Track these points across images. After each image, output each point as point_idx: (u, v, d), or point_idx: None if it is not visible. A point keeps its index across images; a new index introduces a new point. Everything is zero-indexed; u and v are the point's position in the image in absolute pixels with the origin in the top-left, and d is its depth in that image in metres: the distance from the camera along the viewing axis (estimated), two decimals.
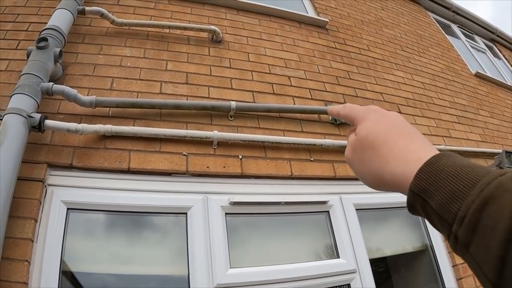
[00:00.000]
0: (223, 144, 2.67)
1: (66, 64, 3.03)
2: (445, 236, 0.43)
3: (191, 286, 2.20)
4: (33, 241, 2.15)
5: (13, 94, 2.44)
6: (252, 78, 3.21)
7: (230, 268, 2.29)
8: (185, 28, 3.37)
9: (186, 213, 2.42)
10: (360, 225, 2.75)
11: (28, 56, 2.72)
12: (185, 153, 2.57)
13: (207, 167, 2.55)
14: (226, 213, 2.46)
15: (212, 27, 3.39)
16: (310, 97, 3.34)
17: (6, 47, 3.26)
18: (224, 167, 2.58)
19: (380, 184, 0.53)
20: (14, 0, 3.76)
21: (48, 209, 2.29)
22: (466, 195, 0.40)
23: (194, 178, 2.54)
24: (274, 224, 2.69)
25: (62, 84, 2.75)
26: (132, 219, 2.48)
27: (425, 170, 0.45)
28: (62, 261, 2.17)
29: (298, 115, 3.08)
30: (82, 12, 3.26)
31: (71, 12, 3.12)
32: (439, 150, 0.49)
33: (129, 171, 2.48)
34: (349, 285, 2.52)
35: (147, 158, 2.51)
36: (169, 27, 3.37)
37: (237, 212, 2.52)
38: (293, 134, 2.95)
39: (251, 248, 2.55)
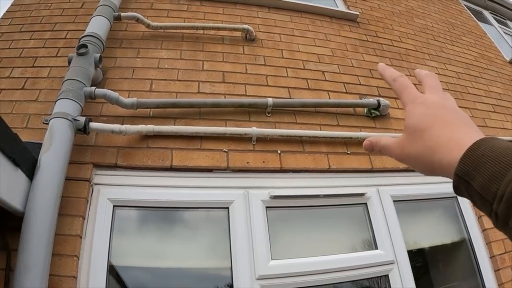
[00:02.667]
0: (262, 139, 2.73)
1: (106, 68, 3.13)
2: (487, 214, 0.48)
3: (234, 278, 2.28)
4: (81, 237, 2.26)
5: (58, 99, 2.54)
6: (287, 75, 3.26)
7: (272, 260, 2.35)
8: (218, 28, 3.46)
9: (228, 208, 2.50)
10: (398, 217, 2.76)
11: (69, 62, 2.83)
12: (225, 150, 2.64)
13: (247, 162, 2.62)
14: (266, 207, 2.52)
15: (245, 26, 3.46)
16: (345, 91, 3.37)
17: (47, 55, 3.39)
18: (263, 162, 2.64)
19: (431, 172, 0.58)
20: (51, 9, 3.91)
21: (95, 207, 2.40)
22: (504, 176, 0.44)
23: (234, 173, 2.61)
24: (312, 217, 2.73)
25: (103, 88, 2.85)
26: (175, 214, 2.58)
27: (467, 156, 0.49)
28: (109, 256, 2.28)
29: (333, 109, 3.12)
30: (118, 18, 3.36)
31: (107, 19, 3.23)
32: None
33: (171, 169, 2.56)
34: (387, 276, 2.54)
35: (189, 156, 2.60)
36: (203, 28, 3.45)
37: (277, 205, 2.58)
38: (330, 128, 2.99)
39: (290, 241, 2.60)
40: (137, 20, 3.40)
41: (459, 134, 0.54)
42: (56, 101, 2.57)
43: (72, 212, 2.31)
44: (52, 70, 3.23)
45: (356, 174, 2.89)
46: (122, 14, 3.37)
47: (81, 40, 2.94)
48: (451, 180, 0.52)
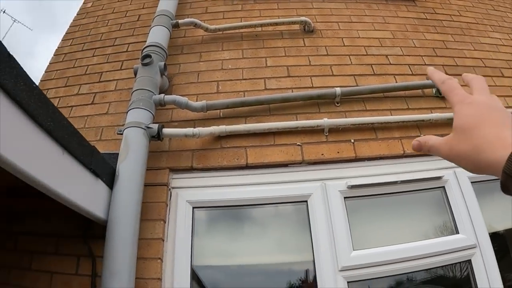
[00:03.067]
0: (334, 130, 2.69)
1: (171, 75, 3.20)
2: None
3: (317, 271, 2.26)
4: (163, 240, 2.34)
5: (129, 110, 2.62)
6: (351, 62, 3.20)
7: (353, 250, 2.31)
8: (276, 24, 3.44)
9: (306, 201, 2.48)
10: (477, 198, 2.65)
11: (135, 73, 2.91)
12: (299, 143, 2.62)
13: (322, 154, 2.59)
14: (344, 197, 2.48)
15: (303, 18, 3.43)
16: (411, 72, 3.26)
17: (111, 69, 3.49)
18: (338, 152, 2.61)
19: (479, 170, 0.58)
20: (109, 26, 4.03)
21: (175, 210, 2.47)
22: None
23: (310, 166, 2.59)
24: (389, 204, 2.66)
25: (171, 94, 2.90)
26: (253, 211, 2.59)
27: None
28: (192, 256, 2.33)
29: (401, 93, 3.02)
30: (176, 26, 3.42)
31: (166, 27, 3.29)
32: None
33: (247, 167, 2.58)
34: (469, 261, 2.41)
35: (263, 152, 2.60)
36: (261, 25, 3.45)
37: (354, 195, 2.53)
38: (400, 112, 2.90)
39: (369, 230, 2.54)
40: (195, 25, 3.44)
41: (506, 133, 0.55)
42: (127, 112, 2.65)
43: (153, 217, 2.39)
44: (118, 82, 3.32)
45: (431, 158, 2.78)
46: (180, 21, 3.42)
47: (144, 51, 3.02)
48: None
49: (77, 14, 4.42)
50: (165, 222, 2.41)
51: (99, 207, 2.11)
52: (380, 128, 2.77)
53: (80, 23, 4.27)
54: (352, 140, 2.67)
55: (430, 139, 0.69)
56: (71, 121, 2.99)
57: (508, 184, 0.50)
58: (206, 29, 3.45)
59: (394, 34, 3.64)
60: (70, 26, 4.29)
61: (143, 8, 4.12)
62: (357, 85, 3.03)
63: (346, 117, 2.79)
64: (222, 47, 3.41)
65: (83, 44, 3.94)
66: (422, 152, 0.71)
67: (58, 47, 4.06)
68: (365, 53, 3.30)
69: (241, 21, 3.57)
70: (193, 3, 4.02)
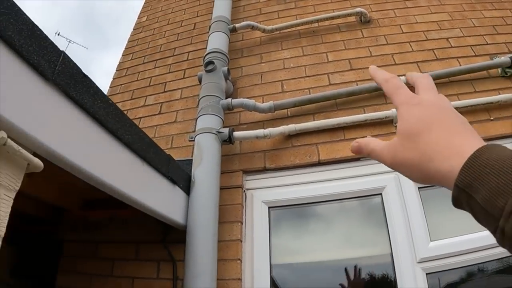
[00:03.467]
0: None
1: (234, 79, 3.26)
2: (490, 231, 0.42)
3: (395, 263, 2.24)
4: (241, 241, 2.40)
5: (199, 116, 2.72)
6: (412, 49, 3.16)
7: (430, 241, 2.27)
8: (332, 18, 3.45)
9: (380, 194, 2.48)
10: None
11: (200, 81, 3.00)
12: (369, 136, 2.62)
13: None
14: (419, 188, 2.44)
15: (358, 9, 3.42)
16: (473, 54, 3.18)
17: (174, 78, 3.60)
18: None
19: (427, 180, 0.52)
20: (166, 37, 4.14)
21: (251, 211, 2.54)
22: None
23: None
24: None
25: (237, 98, 2.98)
26: (328, 207, 2.61)
27: (469, 165, 0.44)
28: (270, 256, 2.39)
29: (467, 76, 2.95)
30: (233, 30, 3.49)
31: (224, 33, 3.37)
32: None
33: (319, 163, 2.62)
34: None
35: (334, 148, 2.63)
36: (317, 20, 3.47)
37: (426, 186, 2.50)
38: (467, 96, 2.84)
39: (444, 219, 2.50)
40: (252, 27, 3.50)
41: (459, 140, 0.49)
42: (197, 118, 2.74)
43: (230, 219, 2.47)
44: (183, 91, 3.42)
45: (506, 140, 2.71)
46: (237, 25, 3.50)
47: (206, 58, 3.10)
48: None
49: (133, 29, 4.58)
50: (242, 223, 2.48)
51: (178, 213, 2.20)
52: None
53: (137, 37, 4.41)
54: None
55: (370, 142, 0.62)
56: None
57: (460, 198, 0.45)
58: (264, 30, 3.51)
59: (451, 16, 3.55)
60: (128, 41, 4.44)
61: (197, 16, 4.21)
62: (421, 72, 2.98)
63: None
64: (281, 47, 3.45)
65: (143, 57, 4.07)
66: (362, 156, 0.64)
67: (119, 63, 4.22)
68: (425, 38, 3.24)
69: (296, 19, 3.60)
70: (246, 5, 4.08)
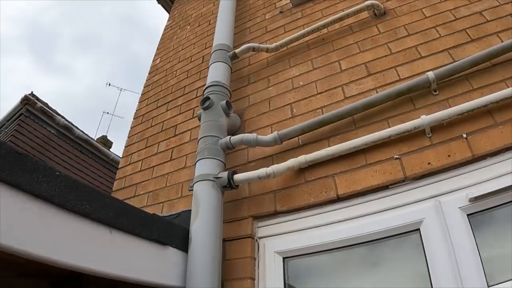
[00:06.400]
0: (438, 128, 2.05)
1: (242, 111, 2.91)
2: None
3: None
4: None
5: (196, 162, 2.43)
6: (439, 35, 2.52)
7: (488, 287, 1.61)
8: (341, 19, 2.92)
9: (418, 229, 1.87)
10: None
11: (199, 120, 2.71)
12: (397, 156, 2.06)
13: (428, 163, 1.96)
14: (468, 215, 1.80)
15: (368, 2, 2.84)
16: None
17: (184, 119, 3.32)
18: (449, 156, 1.95)
19: None
20: (177, 76, 3.89)
21: (264, 264, 2.15)
22: None
23: (416, 182, 1.97)
24: None
25: (244, 132, 2.65)
26: (354, 252, 2.04)
27: None
28: None
29: (510, 54, 2.24)
30: (234, 57, 3.16)
31: (224, 62, 3.05)
32: None
33: (338, 199, 2.11)
34: None
35: (355, 177, 2.10)
36: (324, 25, 2.96)
37: (481, 209, 1.81)
38: None
39: (505, 254, 1.84)
40: (253, 49, 3.14)
41: None
42: (195, 164, 2.42)
43: (239, 275, 2.10)
44: (192, 132, 3.17)
45: None
46: (237, 50, 3.15)
47: (204, 94, 2.79)
48: None
49: (148, 74, 4.38)
50: (253, 279, 2.07)
51: (171, 276, 1.94)
52: (497, 108, 2.01)
53: (152, 81, 4.19)
54: (465, 135, 1.99)
55: None
56: (154, 182, 2.89)
57: None
58: (267, 50, 3.10)
59: None
60: (144, 87, 4.24)
61: (205, 48, 3.94)
62: (454, 61, 2.33)
63: (449, 106, 2.11)
64: (289, 64, 3.00)
65: (157, 101, 3.83)
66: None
67: (136, 110, 4.03)
68: (454, 18, 2.57)
69: (303, 28, 3.13)
70: (252, 26, 3.71)
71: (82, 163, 9.31)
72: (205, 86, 2.83)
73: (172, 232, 2.01)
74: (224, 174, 2.25)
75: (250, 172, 2.27)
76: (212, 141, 2.43)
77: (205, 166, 2.33)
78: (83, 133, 9.45)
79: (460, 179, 1.90)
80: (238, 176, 2.26)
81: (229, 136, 2.46)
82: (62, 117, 8.98)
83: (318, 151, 2.22)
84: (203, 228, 2.09)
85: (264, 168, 2.21)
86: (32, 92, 8.54)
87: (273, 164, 2.29)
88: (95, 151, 9.65)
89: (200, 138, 2.51)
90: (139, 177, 3.18)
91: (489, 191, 1.77)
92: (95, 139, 10.09)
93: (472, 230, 1.75)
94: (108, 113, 14.04)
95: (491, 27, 2.38)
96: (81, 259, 1.48)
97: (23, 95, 8.30)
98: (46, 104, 8.74)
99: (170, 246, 1.96)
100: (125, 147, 3.69)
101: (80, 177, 8.91)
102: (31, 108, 8.35)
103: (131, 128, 3.84)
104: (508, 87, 2.02)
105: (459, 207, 1.81)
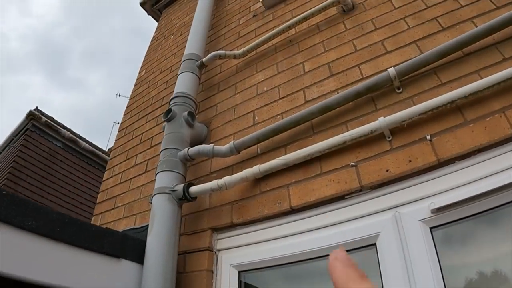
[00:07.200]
0: (398, 130, 1.86)
1: (209, 120, 2.80)
2: None
3: None
4: None
5: (156, 175, 2.37)
6: (408, 26, 2.30)
7: None
8: (306, 18, 2.75)
9: (374, 244, 1.69)
10: None
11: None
12: (353, 163, 1.89)
13: (387, 170, 1.78)
14: (430, 228, 1.60)
15: None
16: (494, 6, 2.06)
17: (160, 131, 3.39)
18: (410, 161, 1.75)
19: None
20: (157, 87, 4.04)
21: (220, 277, 2.09)
22: None
23: (373, 192, 1.80)
24: (500, 222, 1.54)
25: (209, 142, 2.61)
26: (308, 267, 1.91)
27: None
28: None
29: (489, 40, 1.93)
30: (202, 66, 3.07)
31: (191, 72, 2.98)
32: None
33: (292, 211, 1.98)
34: None
35: (309, 187, 1.95)
36: (290, 26, 2.81)
37: (446, 221, 1.59)
38: (494, 69, 1.83)
39: (473, 273, 1.61)
40: (220, 56, 3.02)
41: None
42: (155, 177, 2.36)
43: None
44: None
45: None
46: (204, 59, 3.05)
47: (169, 105, 2.73)
48: None
49: (134, 86, 4.31)
50: None
51: None
52: (468, 103, 1.77)
53: (136, 93, 4.15)
54: (428, 137, 1.78)
55: None
56: (130, 195, 2.86)
57: None
58: (234, 56, 2.98)
59: None
60: (129, 99, 4.17)
61: None
62: (422, 53, 2.10)
63: (414, 104, 1.90)
64: (256, 69, 2.87)
65: (138, 113, 3.78)
66: None
67: (120, 123, 3.98)
68: (425, 6, 2.33)
69: (273, 30, 2.98)
70: (227, 33, 3.60)
71: (89, 174, 9.45)
72: (171, 98, 2.75)
73: (126, 245, 1.98)
74: (180, 187, 2.19)
75: (204, 184, 2.18)
76: (170, 153, 2.37)
77: (163, 179, 2.28)
78: (90, 144, 9.57)
79: (422, 187, 1.71)
80: (193, 189, 2.19)
81: (187, 148, 2.36)
82: (68, 129, 9.13)
83: (273, 161, 2.08)
84: (157, 241, 2.06)
85: (216, 180, 2.10)
86: (37, 107, 8.68)
87: (232, 174, 2.19)
88: (102, 162, 9.73)
89: (161, 151, 2.45)
90: (118, 190, 3.14)
91: (456, 200, 1.56)
92: (107, 149, 10.15)
93: (434, 245, 1.56)
94: (118, 123, 14.12)
95: (465, 13, 2.14)
96: (25, 271, 1.49)
97: (27, 111, 8.43)
98: (52, 118, 8.87)
99: (124, 259, 1.94)
100: (109, 159, 3.64)
101: (87, 187, 9.13)
102: (36, 123, 8.51)
103: (115, 141, 3.79)
104: (482, 77, 1.80)
105: (420, 220, 1.62)
